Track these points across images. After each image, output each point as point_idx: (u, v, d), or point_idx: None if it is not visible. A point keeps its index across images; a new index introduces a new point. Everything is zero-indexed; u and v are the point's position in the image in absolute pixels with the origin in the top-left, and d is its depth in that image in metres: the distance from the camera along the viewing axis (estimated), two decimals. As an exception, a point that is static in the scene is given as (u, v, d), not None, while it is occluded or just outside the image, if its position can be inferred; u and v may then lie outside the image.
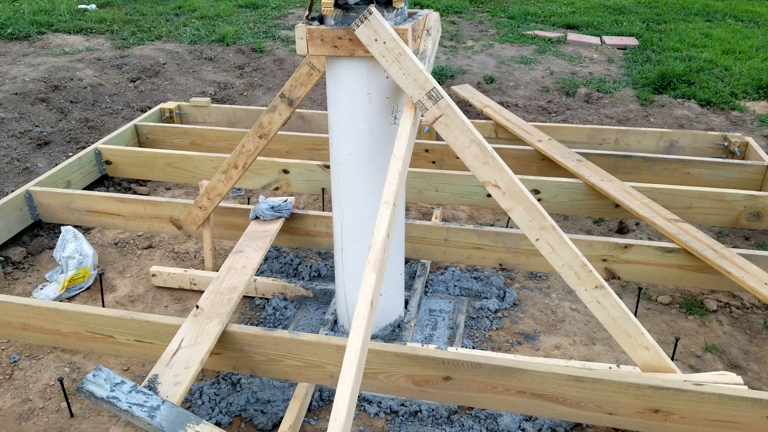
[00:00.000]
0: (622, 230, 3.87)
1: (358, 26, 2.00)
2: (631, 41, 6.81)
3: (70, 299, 3.21)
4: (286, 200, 3.21)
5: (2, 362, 2.78)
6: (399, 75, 2.03)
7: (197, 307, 2.45)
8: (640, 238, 3.77)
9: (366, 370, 2.31)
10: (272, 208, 3.12)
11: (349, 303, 2.70)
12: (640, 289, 2.99)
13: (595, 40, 6.87)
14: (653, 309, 3.14)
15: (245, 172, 3.90)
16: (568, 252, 2.16)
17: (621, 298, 3.19)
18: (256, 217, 3.14)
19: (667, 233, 3.05)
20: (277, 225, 3.09)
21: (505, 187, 2.10)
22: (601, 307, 2.22)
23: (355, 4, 2.05)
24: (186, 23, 7.39)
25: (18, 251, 3.56)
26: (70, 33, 6.94)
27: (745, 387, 2.22)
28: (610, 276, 3.11)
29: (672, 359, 2.66)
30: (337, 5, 2.07)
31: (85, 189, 4.09)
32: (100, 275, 3.22)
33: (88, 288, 3.29)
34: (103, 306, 3.14)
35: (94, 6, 8.17)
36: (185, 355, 2.20)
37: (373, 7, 1.99)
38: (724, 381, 2.30)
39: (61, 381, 2.48)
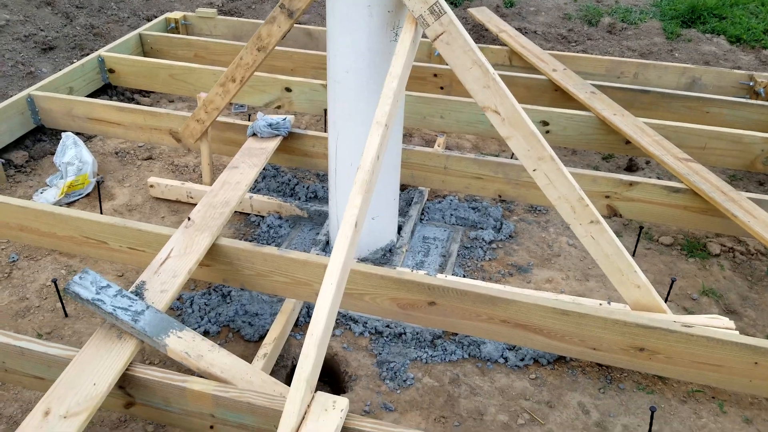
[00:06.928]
0: (631, 168, 3.77)
1: (358, -70, 1.87)
2: (666, -30, 6.42)
3: (69, 205, 3.22)
4: (284, 118, 3.14)
5: (1, 261, 2.83)
6: (400, -14, 1.92)
7: (189, 218, 2.44)
8: (649, 177, 3.68)
9: (352, 291, 2.31)
10: (270, 125, 3.06)
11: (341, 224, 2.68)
12: (641, 227, 2.94)
13: (627, -34, 6.49)
14: (653, 249, 3.09)
15: (246, 88, 3.81)
16: (565, 185, 2.10)
17: (621, 236, 3.14)
18: (254, 134, 3.08)
19: (676, 172, 2.96)
20: (274, 143, 3.04)
21: (504, 113, 2.02)
22: (595, 242, 2.18)
23: None
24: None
25: (20, 155, 3.55)
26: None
27: (737, 332, 2.19)
28: (612, 213, 3.05)
29: (666, 300, 2.64)
30: None
31: (88, 96, 4.03)
32: (99, 183, 3.22)
33: (87, 195, 3.30)
34: (101, 213, 3.15)
35: None
36: (173, 264, 2.20)
37: None
38: (715, 325, 2.28)
39: (55, 282, 2.52)
